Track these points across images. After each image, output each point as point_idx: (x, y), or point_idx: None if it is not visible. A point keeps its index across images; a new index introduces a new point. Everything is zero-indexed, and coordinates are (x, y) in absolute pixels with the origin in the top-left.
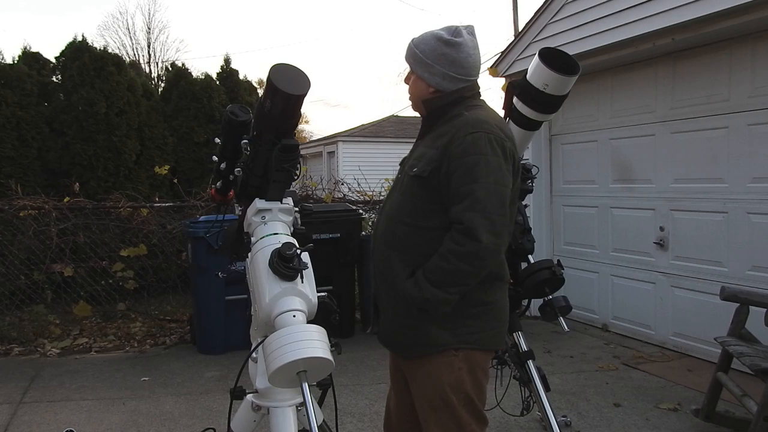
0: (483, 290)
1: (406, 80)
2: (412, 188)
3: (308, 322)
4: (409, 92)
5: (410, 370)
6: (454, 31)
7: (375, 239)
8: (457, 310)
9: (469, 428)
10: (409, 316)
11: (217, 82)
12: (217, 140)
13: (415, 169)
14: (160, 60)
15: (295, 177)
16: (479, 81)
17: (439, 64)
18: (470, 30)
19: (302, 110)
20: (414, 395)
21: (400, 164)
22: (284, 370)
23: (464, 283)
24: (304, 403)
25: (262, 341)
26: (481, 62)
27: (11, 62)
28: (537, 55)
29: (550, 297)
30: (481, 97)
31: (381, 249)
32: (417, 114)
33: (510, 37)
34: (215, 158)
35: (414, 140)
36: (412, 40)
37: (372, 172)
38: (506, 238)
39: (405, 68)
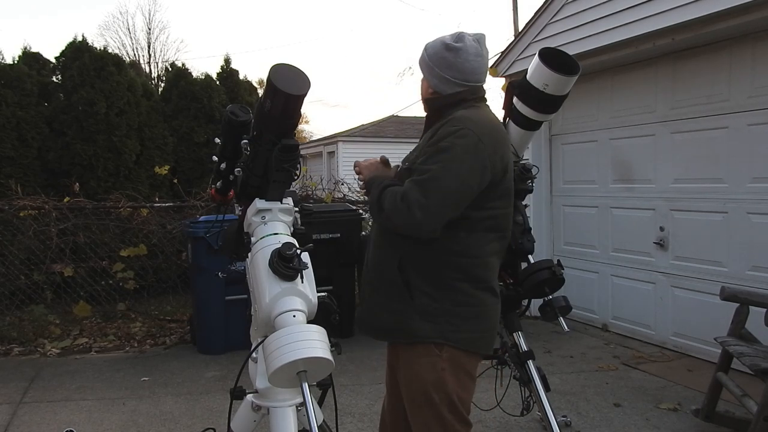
0: (469, 292)
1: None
2: (403, 180)
3: (308, 322)
4: (420, 92)
5: (397, 362)
6: (457, 36)
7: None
8: (442, 305)
9: (452, 428)
10: (394, 300)
11: (217, 82)
12: (217, 140)
13: (406, 163)
14: (160, 60)
15: (295, 177)
16: (484, 86)
17: (438, 67)
18: (477, 37)
19: (302, 110)
20: (401, 389)
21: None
22: (284, 370)
23: (379, 220)
24: (304, 403)
25: (262, 341)
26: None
27: (11, 62)
28: (537, 55)
29: (550, 297)
30: (485, 102)
31: (376, 238)
32: (417, 114)
33: (510, 37)
34: (215, 158)
35: (415, 140)
36: (426, 43)
37: None
38: (438, 223)
39: (406, 68)
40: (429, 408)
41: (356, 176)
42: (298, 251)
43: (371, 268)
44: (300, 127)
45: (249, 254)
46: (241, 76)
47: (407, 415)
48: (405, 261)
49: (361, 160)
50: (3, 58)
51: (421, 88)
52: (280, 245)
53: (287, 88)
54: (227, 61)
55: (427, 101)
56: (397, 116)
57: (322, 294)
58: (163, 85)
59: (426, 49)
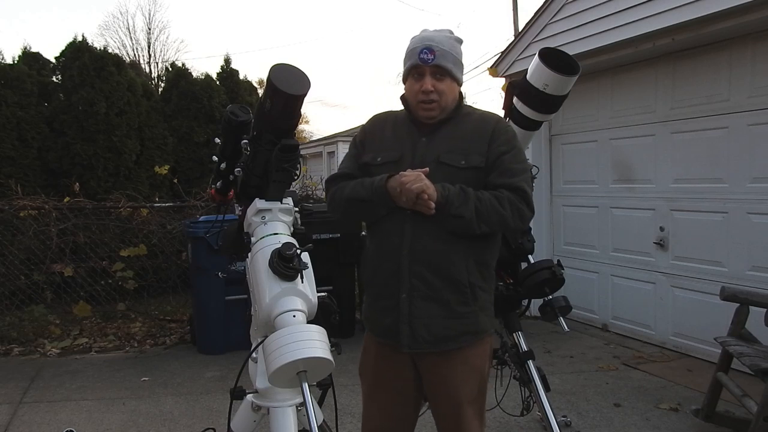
0: (494, 277)
1: (434, 83)
2: (458, 180)
3: (308, 322)
4: (442, 95)
5: (445, 368)
6: (449, 29)
7: (404, 247)
8: (491, 295)
9: (484, 414)
10: (458, 304)
11: (217, 82)
12: (217, 140)
13: (462, 162)
14: (160, 60)
15: (295, 177)
16: None
17: (462, 65)
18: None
19: (302, 110)
20: (445, 393)
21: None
22: (284, 370)
23: (493, 227)
24: (304, 403)
25: (262, 341)
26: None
27: (11, 62)
28: (537, 55)
29: (550, 297)
30: None
31: (425, 248)
32: None
33: (510, 37)
34: (215, 158)
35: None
36: (434, 39)
37: None
38: None
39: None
40: (480, 399)
41: (418, 196)
42: (298, 251)
43: (419, 282)
44: (300, 127)
45: (249, 254)
46: (241, 76)
47: (450, 417)
48: (474, 262)
49: (404, 178)
50: (3, 58)
51: (452, 91)
52: (280, 245)
53: (287, 88)
54: (227, 61)
55: (457, 101)
56: None
57: (322, 294)
58: (163, 85)
59: (452, 46)
